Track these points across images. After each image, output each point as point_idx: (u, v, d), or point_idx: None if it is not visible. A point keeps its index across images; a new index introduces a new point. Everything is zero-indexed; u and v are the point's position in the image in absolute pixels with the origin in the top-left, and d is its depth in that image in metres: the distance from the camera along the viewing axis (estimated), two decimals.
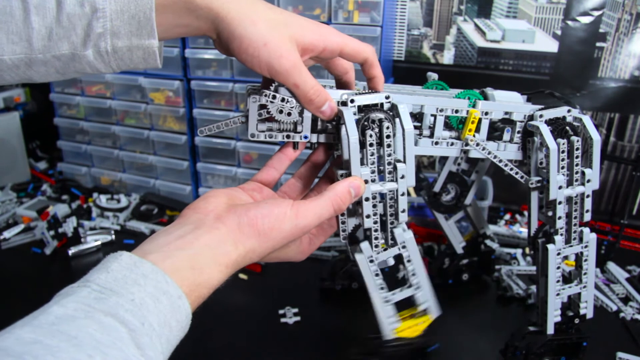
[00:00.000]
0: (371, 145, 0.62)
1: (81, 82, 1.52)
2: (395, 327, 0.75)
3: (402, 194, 0.66)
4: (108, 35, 0.53)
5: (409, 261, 0.73)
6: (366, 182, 0.63)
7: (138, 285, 0.42)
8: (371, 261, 0.70)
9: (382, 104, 0.64)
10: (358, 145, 0.61)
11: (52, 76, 0.57)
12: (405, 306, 0.77)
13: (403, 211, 0.67)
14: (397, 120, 0.64)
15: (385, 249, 0.71)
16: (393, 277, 1.16)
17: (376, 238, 0.69)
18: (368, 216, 0.66)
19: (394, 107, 0.64)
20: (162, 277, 0.43)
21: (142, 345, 0.39)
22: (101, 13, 0.52)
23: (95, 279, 0.42)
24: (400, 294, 0.75)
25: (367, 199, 0.65)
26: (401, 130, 0.64)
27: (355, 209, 0.69)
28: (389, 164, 0.64)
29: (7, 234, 1.29)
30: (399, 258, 0.74)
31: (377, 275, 0.71)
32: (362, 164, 0.62)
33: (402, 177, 0.65)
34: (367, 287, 0.72)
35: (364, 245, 0.69)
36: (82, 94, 1.54)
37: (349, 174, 0.63)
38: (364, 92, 0.65)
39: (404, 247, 0.71)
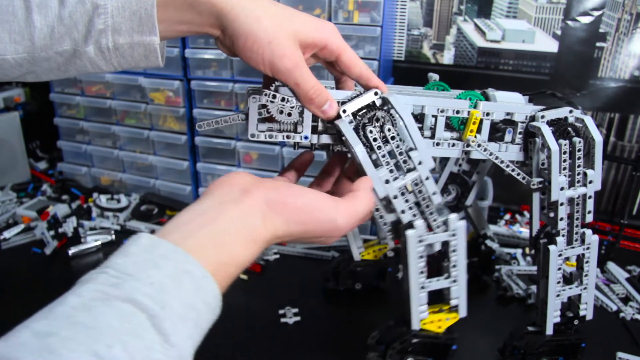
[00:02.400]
0: (375, 140, 0.62)
1: (81, 82, 1.52)
2: (423, 317, 0.75)
3: (427, 178, 0.66)
4: (109, 31, 0.53)
5: (454, 251, 0.73)
6: (387, 182, 0.64)
7: (157, 268, 0.40)
8: (420, 241, 0.70)
9: (374, 102, 0.64)
10: (365, 153, 0.61)
11: (54, 73, 0.57)
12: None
13: (434, 193, 0.67)
14: (393, 113, 0.64)
15: (434, 233, 0.71)
16: (394, 276, 1.17)
17: (433, 219, 0.69)
18: (403, 211, 0.67)
19: (385, 101, 0.64)
20: (183, 256, 0.41)
21: (164, 331, 0.37)
22: (102, 9, 0.52)
23: (113, 264, 0.40)
24: (436, 283, 0.75)
25: (395, 197, 0.65)
26: (401, 121, 0.64)
27: (387, 205, 0.70)
28: (401, 154, 0.65)
29: (7, 234, 1.29)
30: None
31: (420, 257, 0.71)
32: (376, 165, 0.62)
33: (420, 163, 0.65)
34: (408, 268, 0.71)
35: (418, 222, 0.69)
36: (82, 94, 1.54)
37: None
38: (353, 96, 0.64)
39: (454, 235, 0.72)
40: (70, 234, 1.26)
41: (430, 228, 0.71)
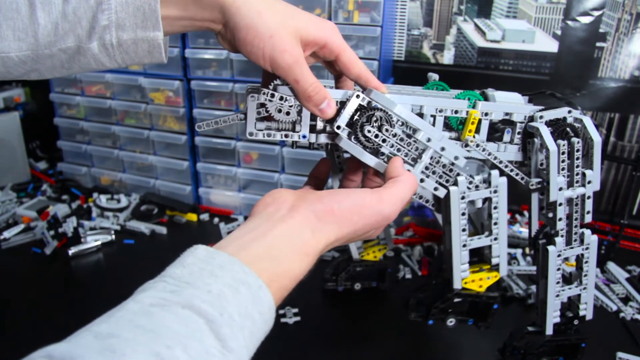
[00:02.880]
0: (377, 136, 0.62)
1: (81, 82, 1.52)
2: (465, 276, 0.75)
3: (442, 149, 0.66)
4: (113, 27, 0.53)
5: (495, 207, 0.73)
6: (410, 164, 0.65)
7: (215, 277, 0.40)
8: (462, 198, 0.70)
9: (361, 106, 0.64)
10: (375, 160, 0.62)
11: (58, 70, 0.57)
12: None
13: (456, 158, 0.67)
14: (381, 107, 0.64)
15: (476, 189, 0.71)
16: (394, 277, 1.17)
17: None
18: (436, 189, 0.67)
19: (370, 101, 0.64)
20: (239, 267, 0.42)
21: (223, 337, 0.37)
22: (106, 5, 0.52)
23: (171, 274, 0.41)
24: (478, 241, 0.75)
25: (422, 180, 0.66)
26: (392, 113, 0.63)
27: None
28: (409, 144, 0.64)
29: (7, 234, 1.29)
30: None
31: (463, 214, 0.71)
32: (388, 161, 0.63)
33: (429, 140, 0.64)
34: (451, 226, 0.71)
35: (461, 178, 0.69)
36: (82, 94, 1.54)
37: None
38: (340, 105, 0.63)
39: (495, 191, 0.72)
40: (70, 234, 1.26)
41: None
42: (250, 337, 0.40)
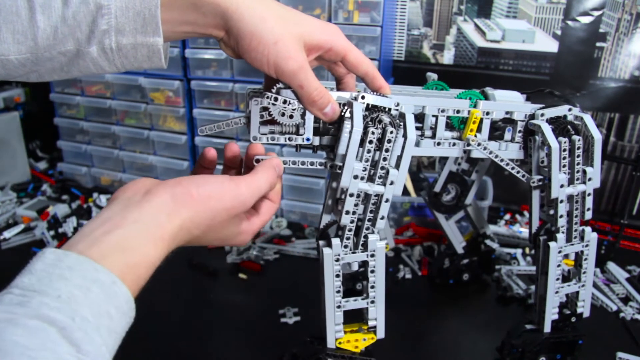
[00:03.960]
0: (370, 142, 0.63)
1: (81, 82, 1.52)
2: (339, 336, 0.74)
3: (387, 200, 0.66)
4: (112, 32, 0.53)
5: (372, 272, 0.72)
6: (355, 177, 0.64)
7: (64, 280, 0.39)
8: (337, 260, 0.69)
9: (389, 109, 0.65)
10: (359, 137, 0.61)
11: (57, 73, 0.57)
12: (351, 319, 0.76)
13: (382, 218, 0.67)
14: (401, 125, 0.64)
15: (353, 252, 0.70)
16: (394, 277, 1.16)
17: (348, 238, 0.69)
18: (347, 212, 0.66)
19: (401, 116, 0.65)
20: (89, 265, 0.41)
21: (76, 341, 0.36)
22: (106, 10, 0.52)
23: (18, 283, 0.39)
24: (353, 303, 0.74)
25: (351, 195, 0.65)
26: (403, 136, 0.64)
27: (333, 205, 0.70)
28: (382, 168, 0.65)
29: (7, 234, 1.29)
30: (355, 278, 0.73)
31: (337, 276, 0.70)
32: (356, 159, 0.63)
33: (392, 183, 0.65)
34: (324, 286, 0.70)
35: (335, 241, 0.68)
36: (82, 94, 1.54)
37: (341, 167, 0.63)
38: (375, 93, 0.65)
39: (372, 255, 0.71)
40: (70, 234, 1.26)
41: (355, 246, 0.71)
42: (109, 333, 0.40)
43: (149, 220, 0.46)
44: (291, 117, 0.63)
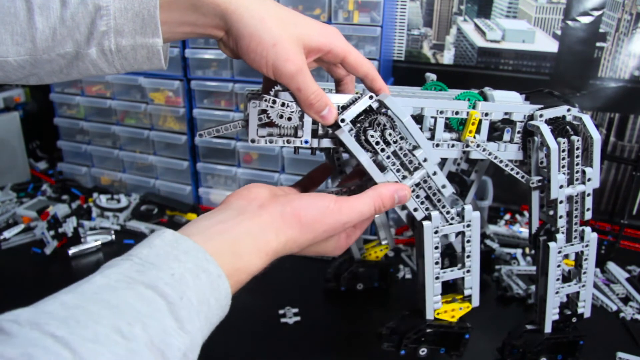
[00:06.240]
0: (377, 143, 0.63)
1: (81, 82, 1.52)
2: (437, 307, 0.76)
3: (434, 173, 0.67)
4: (112, 33, 0.53)
5: (468, 241, 0.74)
6: (403, 180, 0.65)
7: (178, 261, 0.42)
8: (436, 232, 0.71)
9: (371, 107, 0.64)
10: (370, 161, 0.62)
11: (56, 75, 0.56)
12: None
13: (444, 186, 0.69)
14: (391, 115, 0.64)
15: (449, 224, 0.72)
16: (394, 277, 1.17)
17: (447, 212, 0.71)
18: (416, 209, 0.68)
19: (382, 104, 0.64)
20: (202, 254, 0.44)
21: (180, 318, 0.39)
22: (105, 11, 0.52)
23: (138, 253, 0.42)
24: (451, 274, 0.76)
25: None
26: (400, 122, 0.64)
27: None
28: (405, 155, 0.65)
29: (7, 234, 1.29)
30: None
31: (436, 248, 0.72)
32: (382, 169, 0.63)
33: (425, 160, 0.66)
34: (424, 259, 0.72)
35: (435, 213, 0.70)
36: (82, 94, 1.54)
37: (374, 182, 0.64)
38: (350, 102, 0.64)
39: (468, 226, 0.73)
40: (70, 234, 1.26)
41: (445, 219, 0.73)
42: (206, 320, 0.43)
43: (259, 233, 0.51)
44: (289, 119, 0.62)
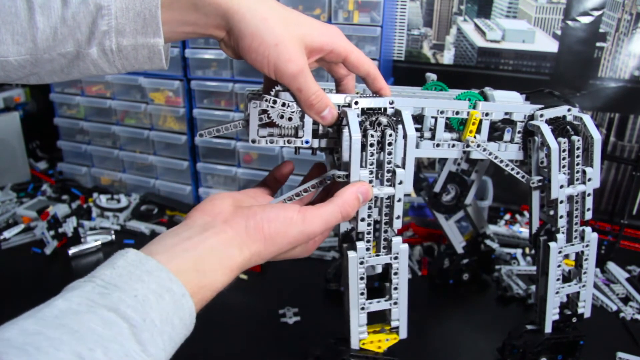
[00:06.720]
0: (372, 145, 0.62)
1: (81, 82, 1.52)
2: (362, 337, 0.74)
3: (399, 200, 0.66)
4: (113, 33, 0.52)
5: (395, 274, 0.72)
6: None
7: (142, 282, 0.42)
8: (361, 263, 0.69)
9: (385, 109, 0.64)
10: (360, 145, 0.61)
11: (57, 75, 0.56)
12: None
13: (398, 217, 0.67)
14: (399, 126, 0.64)
15: (377, 255, 0.70)
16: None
17: (368, 241, 0.68)
18: (363, 219, 0.65)
19: (397, 113, 0.65)
20: (166, 274, 0.44)
21: (143, 341, 0.39)
22: (106, 10, 0.51)
23: (101, 275, 0.42)
24: (377, 305, 0.74)
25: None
26: (402, 136, 0.64)
27: None
28: (388, 170, 0.64)
29: (7, 234, 1.29)
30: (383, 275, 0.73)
31: (361, 279, 0.70)
32: (361, 166, 0.62)
33: (400, 182, 0.64)
34: (349, 289, 0.71)
35: (360, 244, 0.68)
36: (82, 94, 1.54)
37: (347, 176, 0.62)
38: (368, 95, 0.65)
39: (396, 258, 0.71)
40: (70, 234, 1.26)
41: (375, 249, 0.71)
42: (170, 340, 0.42)
43: (223, 249, 0.50)
44: (290, 119, 0.62)
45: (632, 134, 1.41)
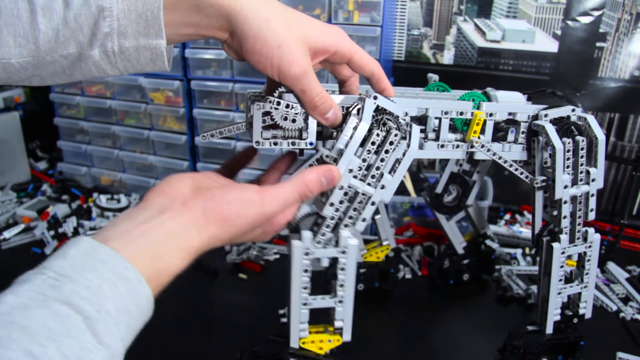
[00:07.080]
0: (373, 143, 0.62)
1: (81, 82, 1.52)
2: (303, 336, 0.71)
3: (373, 203, 0.65)
4: (115, 34, 0.52)
5: (342, 269, 0.69)
6: (350, 171, 0.63)
7: (95, 272, 0.41)
8: (306, 254, 0.66)
9: (397, 116, 0.64)
10: (365, 132, 0.61)
11: (59, 77, 0.56)
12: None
13: (364, 220, 0.66)
14: (406, 135, 0.64)
15: (324, 247, 0.68)
16: (394, 277, 1.16)
17: (323, 234, 0.66)
18: (332, 204, 0.64)
19: (408, 125, 0.65)
20: (120, 262, 0.43)
21: (98, 333, 0.38)
22: (108, 12, 0.51)
23: (52, 266, 0.40)
24: (321, 302, 0.70)
25: (341, 188, 0.64)
26: (405, 147, 0.64)
27: (317, 196, 0.66)
28: (378, 168, 0.64)
29: (7, 234, 1.29)
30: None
31: (305, 271, 0.67)
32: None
33: (383, 187, 0.64)
34: (291, 282, 0.67)
35: (306, 234, 0.65)
36: (82, 94, 1.54)
37: (335, 160, 0.62)
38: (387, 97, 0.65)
39: (343, 252, 0.68)
40: (70, 234, 1.26)
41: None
42: (127, 329, 0.41)
43: (180, 233, 0.49)
44: (294, 121, 0.62)
45: (632, 134, 1.42)
